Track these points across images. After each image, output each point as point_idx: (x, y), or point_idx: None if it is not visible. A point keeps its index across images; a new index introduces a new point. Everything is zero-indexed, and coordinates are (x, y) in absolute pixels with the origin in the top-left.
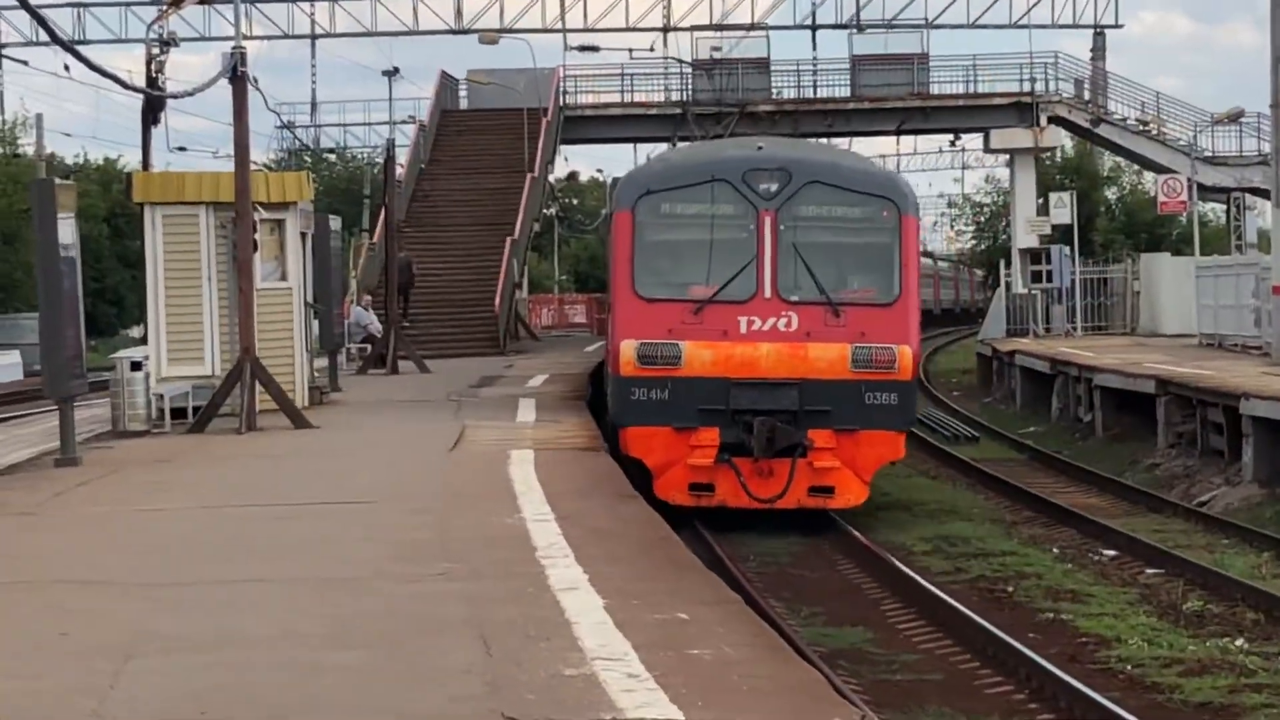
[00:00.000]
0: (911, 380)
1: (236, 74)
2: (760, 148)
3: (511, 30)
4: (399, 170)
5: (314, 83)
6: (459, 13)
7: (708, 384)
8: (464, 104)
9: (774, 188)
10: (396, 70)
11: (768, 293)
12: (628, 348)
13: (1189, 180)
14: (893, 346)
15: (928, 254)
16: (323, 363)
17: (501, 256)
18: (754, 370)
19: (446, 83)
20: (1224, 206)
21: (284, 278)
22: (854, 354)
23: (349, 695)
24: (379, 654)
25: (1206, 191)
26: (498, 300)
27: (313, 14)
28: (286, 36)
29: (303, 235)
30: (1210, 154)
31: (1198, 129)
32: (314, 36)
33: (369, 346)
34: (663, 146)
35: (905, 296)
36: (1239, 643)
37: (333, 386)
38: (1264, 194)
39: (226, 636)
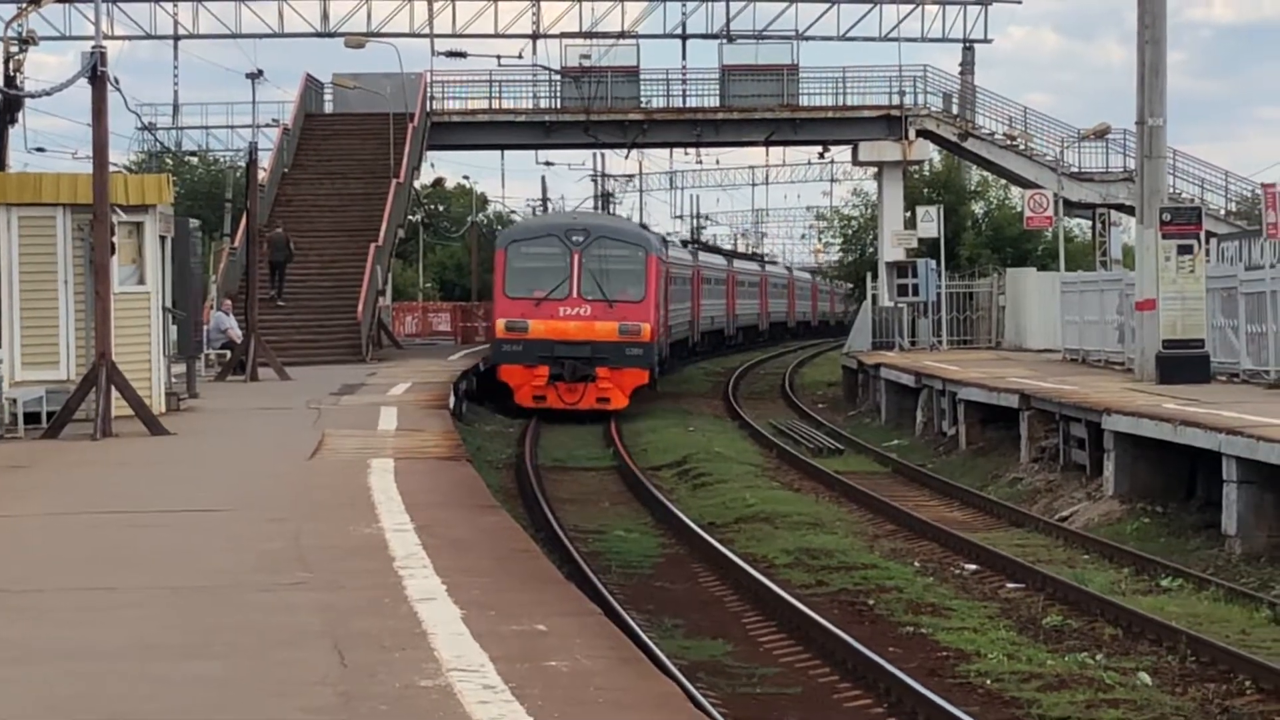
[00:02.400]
0: (652, 341)
1: (96, 74)
2: (575, 218)
3: (378, 34)
4: (261, 174)
5: (176, 84)
6: (325, 16)
7: (542, 343)
8: (329, 108)
9: (580, 239)
10: (260, 73)
11: (574, 294)
12: (501, 321)
13: (1055, 196)
14: (640, 324)
15: (788, 267)
16: (181, 369)
17: (365, 263)
18: (566, 335)
19: (311, 86)
20: (1089, 222)
21: (142, 282)
22: (620, 327)
23: (204, 706)
24: (234, 665)
25: (1072, 207)
26: (360, 307)
27: (176, 15)
28: (149, 37)
29: (162, 239)
30: (1077, 170)
31: (1065, 145)
32: (177, 37)
33: (228, 352)
34: (529, 154)
35: (648, 298)
36: (1098, 658)
37: (190, 393)
38: (1129, 210)
39: (82, 646)
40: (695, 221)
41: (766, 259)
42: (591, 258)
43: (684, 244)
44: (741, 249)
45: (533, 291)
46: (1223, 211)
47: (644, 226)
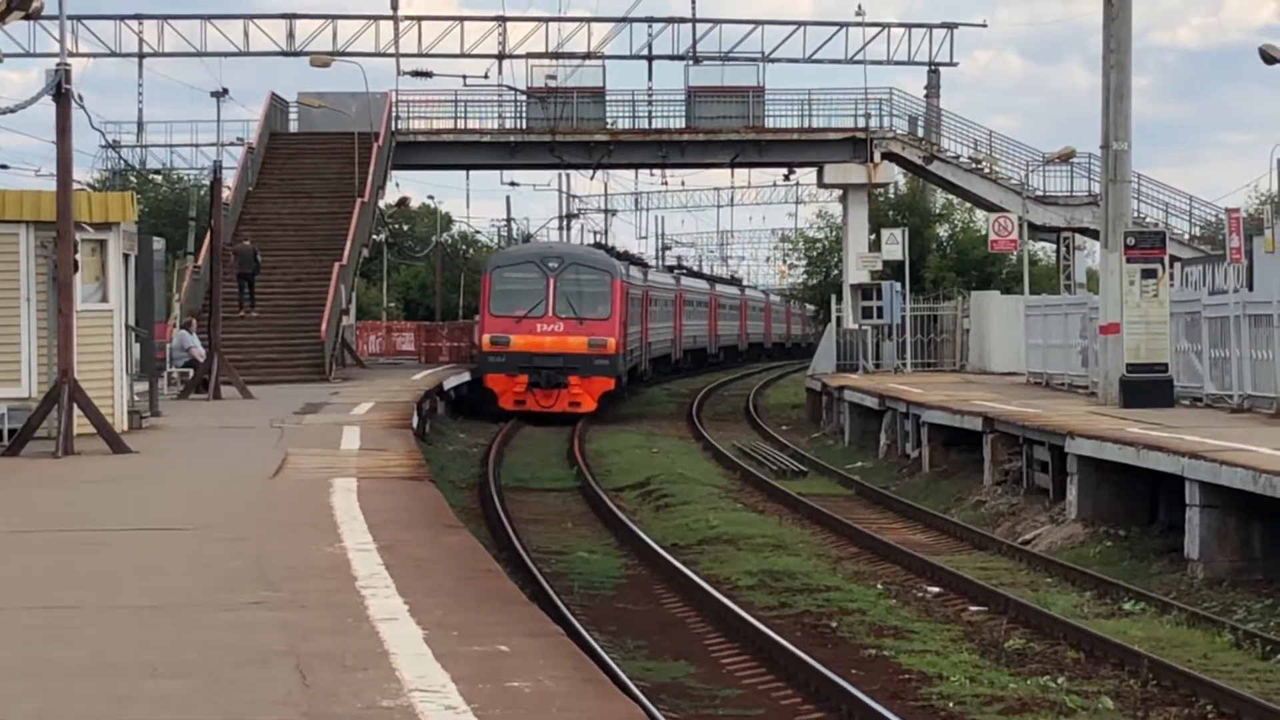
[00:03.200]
0: (617, 354)
1: (61, 91)
2: (551, 247)
3: (344, 54)
4: (226, 193)
5: (141, 102)
6: (291, 34)
7: (522, 355)
8: (294, 127)
9: (555, 266)
10: (225, 91)
11: (550, 313)
12: (486, 336)
13: (1020, 219)
14: (607, 338)
15: (751, 288)
16: (143, 387)
17: (329, 282)
18: (542, 348)
19: (276, 105)
20: (1054, 246)
21: (105, 299)
22: (589, 341)
23: None
24: (196, 684)
25: (1037, 230)
26: (324, 326)
27: (141, 32)
28: (113, 54)
29: (125, 256)
30: (1041, 193)
31: (1029, 168)
32: (141, 55)
33: (191, 371)
34: (494, 174)
35: (614, 316)
36: (1060, 681)
37: (153, 411)
38: (1093, 234)
39: (43, 665)
40: (660, 243)
41: (745, 284)
42: (565, 282)
43: (669, 269)
44: (707, 271)
45: (514, 310)
46: (1187, 236)
47: (627, 254)
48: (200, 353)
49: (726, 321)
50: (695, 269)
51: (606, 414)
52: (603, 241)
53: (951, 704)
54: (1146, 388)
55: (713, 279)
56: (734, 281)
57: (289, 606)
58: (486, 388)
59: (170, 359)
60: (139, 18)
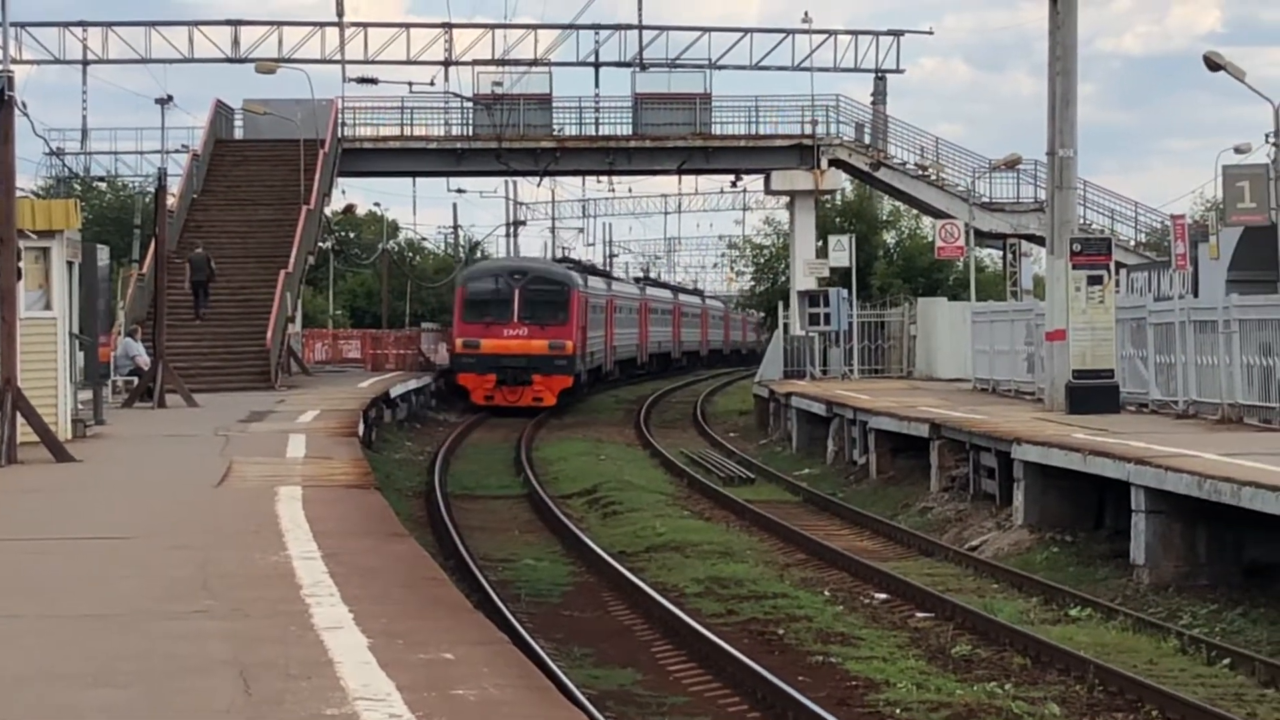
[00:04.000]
0: (574, 355)
1: (3, 99)
2: (517, 262)
3: (290, 60)
4: (171, 200)
5: (85, 109)
6: (236, 41)
7: (490, 356)
8: (239, 134)
9: (519, 278)
10: (170, 98)
11: (515, 320)
12: (459, 340)
13: (966, 226)
14: (565, 341)
15: (725, 300)
16: (87, 395)
17: (274, 289)
18: (508, 351)
19: (221, 112)
20: (1000, 252)
21: (48, 307)
22: (549, 344)
23: None
24: (138, 694)
25: (983, 237)
26: (270, 334)
27: (85, 39)
28: (57, 61)
29: (69, 264)
30: (988, 200)
31: (976, 175)
32: (86, 62)
33: (136, 379)
34: (441, 181)
35: (571, 322)
36: (1006, 687)
37: (97, 419)
38: (1039, 241)
39: None
40: (608, 250)
41: (706, 295)
42: (528, 292)
43: (635, 280)
44: (670, 281)
45: (484, 317)
46: (1132, 242)
47: (593, 267)
48: (145, 360)
49: (689, 329)
50: (660, 280)
51: (566, 407)
52: (568, 253)
53: (898, 710)
54: (1092, 394)
55: (676, 289)
56: (696, 292)
57: (233, 615)
58: (459, 385)
59: (115, 367)
60: (83, 24)
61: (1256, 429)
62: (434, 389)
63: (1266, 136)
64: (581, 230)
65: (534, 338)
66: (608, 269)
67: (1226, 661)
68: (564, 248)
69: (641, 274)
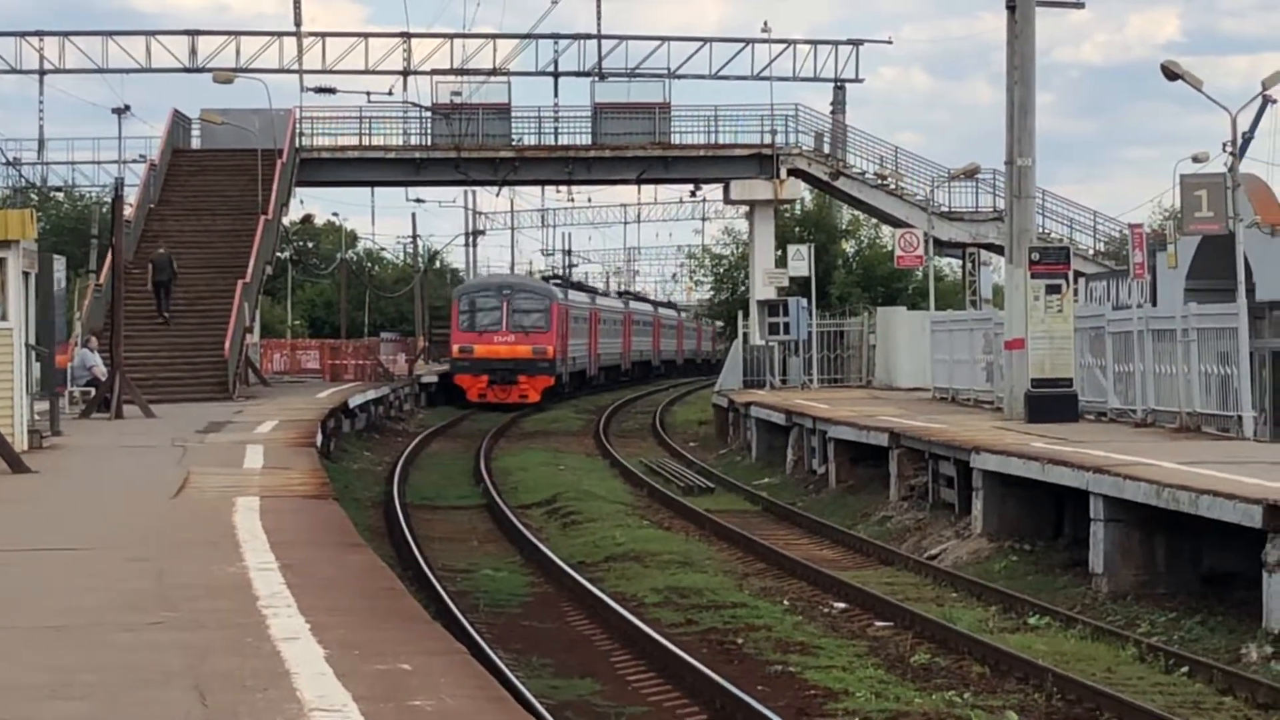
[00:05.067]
0: (554, 359)
1: None
2: (505, 279)
3: (247, 70)
4: (128, 210)
5: (42, 119)
6: (193, 51)
7: (483, 360)
8: (197, 143)
9: (507, 292)
10: (128, 108)
11: (504, 328)
12: (456, 346)
13: (925, 235)
14: (547, 346)
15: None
16: (44, 406)
17: (232, 300)
18: (498, 355)
19: (179, 122)
20: (960, 261)
21: (4, 318)
22: (533, 349)
23: None
24: (95, 706)
25: (943, 246)
26: (228, 344)
27: (41, 49)
28: (14, 71)
29: (25, 275)
30: (947, 209)
31: (935, 184)
32: (43, 72)
33: (93, 390)
34: (399, 191)
35: (552, 330)
36: (965, 696)
37: (54, 430)
38: (998, 250)
39: None
40: (567, 259)
41: (680, 307)
42: (515, 305)
43: (619, 294)
44: (613, 288)
45: (476, 326)
46: (1091, 251)
47: (579, 284)
48: (102, 371)
49: (666, 339)
50: (641, 295)
51: (548, 403)
52: (556, 271)
53: (857, 719)
54: (1051, 402)
55: (656, 303)
56: (671, 305)
57: (189, 626)
58: (456, 385)
59: (71, 378)
60: (40, 34)
61: (1214, 437)
62: (393, 399)
63: (1224, 145)
64: (547, 251)
65: (520, 344)
66: (593, 285)
67: (1185, 669)
68: (553, 266)
69: (622, 288)
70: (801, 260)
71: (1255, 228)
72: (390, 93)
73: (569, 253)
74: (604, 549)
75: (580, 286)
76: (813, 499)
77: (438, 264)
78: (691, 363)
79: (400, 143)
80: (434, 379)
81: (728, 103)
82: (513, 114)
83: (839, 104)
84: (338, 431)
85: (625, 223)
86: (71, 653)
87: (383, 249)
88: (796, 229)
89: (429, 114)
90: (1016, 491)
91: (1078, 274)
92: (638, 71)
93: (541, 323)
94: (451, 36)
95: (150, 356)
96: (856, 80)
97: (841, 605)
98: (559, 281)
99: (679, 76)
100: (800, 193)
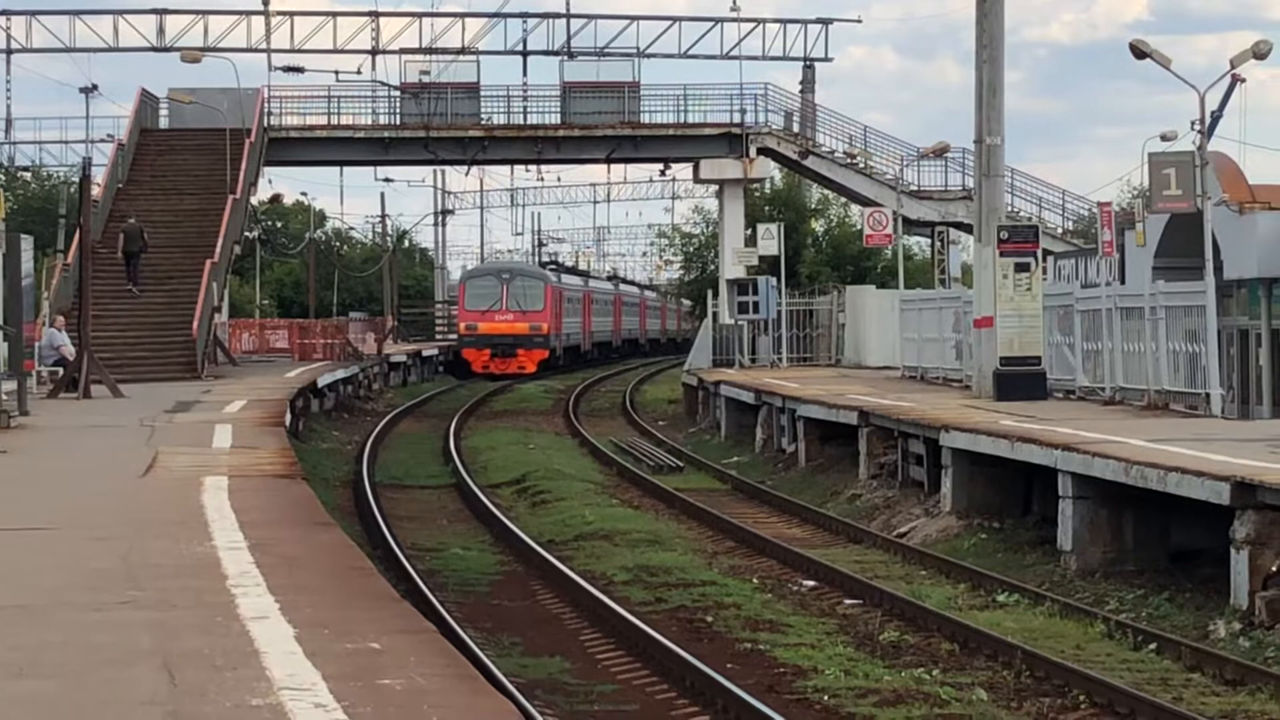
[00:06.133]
0: (549, 334)
1: None
2: (505, 265)
3: (215, 49)
4: (96, 190)
5: (9, 99)
6: (161, 30)
7: (486, 335)
8: (165, 123)
9: (506, 276)
10: (95, 88)
11: (504, 308)
12: (462, 324)
13: (894, 214)
14: (542, 323)
15: (630, 281)
16: (12, 385)
17: (200, 279)
18: (499, 331)
19: (147, 101)
20: (929, 240)
21: None
22: (529, 326)
23: None
24: (62, 685)
25: (912, 225)
26: (196, 324)
27: (8, 28)
28: None
29: None
30: (916, 188)
31: (904, 163)
32: (9, 51)
33: (61, 370)
34: (368, 170)
35: (546, 309)
36: (934, 673)
37: (21, 410)
38: (967, 228)
39: None
40: (536, 239)
41: (660, 288)
42: (513, 287)
43: (608, 278)
44: (582, 267)
45: (480, 306)
46: (1060, 230)
47: (574, 269)
48: (70, 351)
49: (652, 319)
50: (630, 279)
51: (543, 373)
52: (554, 258)
53: (826, 697)
54: (1020, 381)
55: (643, 286)
56: (654, 288)
57: (158, 606)
58: (463, 358)
59: (40, 357)
60: (6, 13)
61: (1182, 415)
62: (362, 378)
63: (1192, 124)
64: (521, 234)
65: (518, 321)
66: (587, 269)
67: (1153, 646)
68: (552, 254)
69: (612, 272)
70: (771, 239)
71: (1223, 206)
72: (359, 72)
73: (539, 232)
74: (573, 528)
75: (575, 271)
76: (782, 477)
77: (406, 244)
78: (674, 341)
79: (369, 122)
80: (403, 358)
81: (697, 82)
82: (481, 93)
83: (808, 83)
84: (306, 411)
85: (595, 202)
86: (38, 632)
87: (351, 229)
88: (766, 208)
89: (398, 93)
90: (985, 469)
91: (1046, 252)
92: (607, 51)
93: (537, 303)
94: (420, 15)
95: (118, 336)
96: (826, 59)
97: (811, 583)
98: (554, 266)
99: (648, 56)
100: (770, 172)
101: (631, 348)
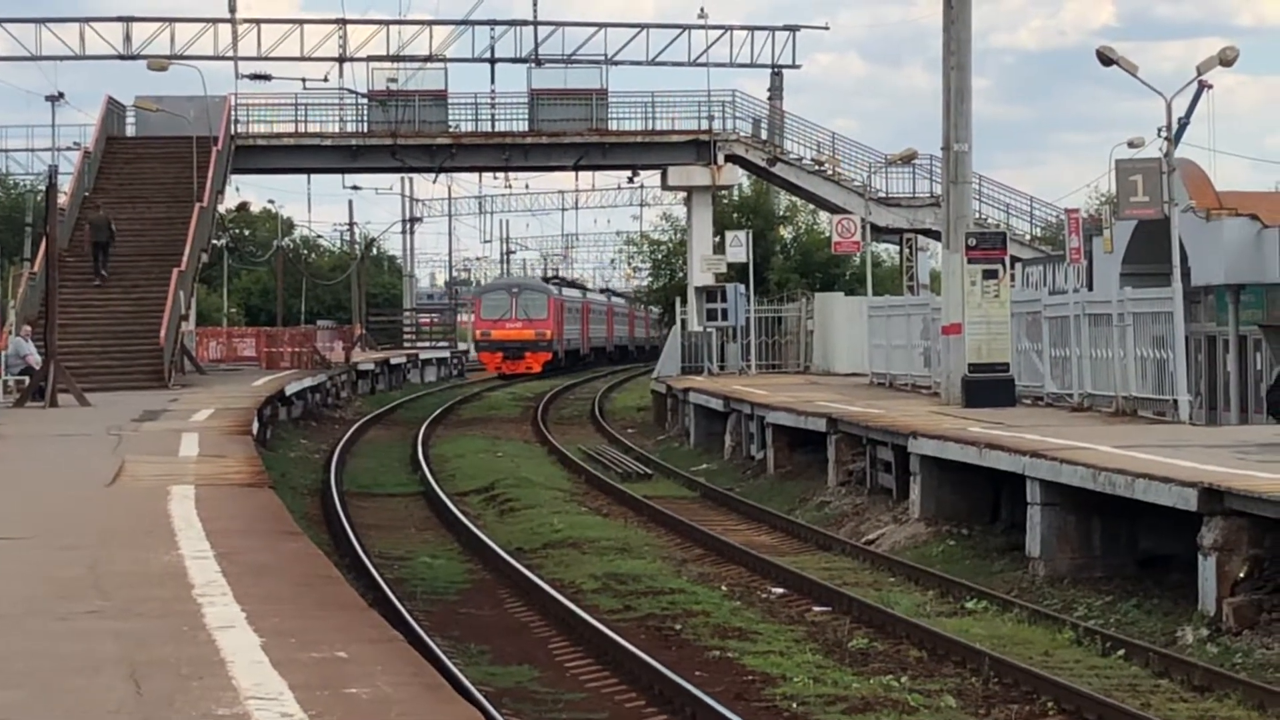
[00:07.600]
0: (552, 339)
1: None
2: (514, 280)
3: (182, 57)
4: (62, 198)
5: None
6: (128, 38)
7: (499, 341)
8: (131, 131)
9: (515, 290)
10: (61, 95)
11: (513, 317)
12: (478, 331)
13: (863, 221)
14: (545, 330)
15: (601, 290)
16: None
17: (167, 288)
18: (510, 337)
19: (113, 109)
20: (897, 247)
21: None
22: (535, 333)
23: None
24: (28, 694)
25: (880, 232)
26: (163, 332)
27: None
28: None
29: None
30: (884, 195)
31: (872, 170)
32: None
33: (27, 378)
34: (336, 178)
35: (550, 318)
36: (903, 680)
37: None
38: (935, 235)
39: None
40: (504, 247)
41: (627, 296)
42: (521, 299)
43: (601, 291)
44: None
45: (493, 316)
46: (1028, 237)
47: (575, 283)
48: (36, 360)
49: (639, 328)
50: (619, 291)
51: (548, 374)
52: (556, 273)
53: (795, 704)
54: (988, 387)
55: (631, 298)
56: (639, 299)
57: (124, 615)
58: (480, 360)
59: (5, 366)
60: None
61: (1151, 421)
62: (330, 386)
63: (1159, 130)
64: (490, 241)
65: (525, 329)
66: (584, 284)
67: (1121, 652)
68: (555, 269)
69: (604, 284)
70: (739, 246)
71: (1190, 212)
72: (326, 79)
73: (507, 239)
74: (542, 536)
75: (574, 285)
76: (751, 484)
77: (374, 251)
78: (657, 349)
79: (336, 129)
80: (371, 366)
81: (665, 89)
82: (449, 100)
83: (776, 90)
84: (274, 419)
85: (563, 209)
86: (4, 641)
87: (319, 236)
88: (734, 215)
89: (365, 101)
90: (954, 476)
91: (1014, 259)
92: (574, 58)
93: (541, 313)
94: (387, 23)
95: (85, 345)
96: (793, 66)
97: (779, 590)
98: (557, 281)
99: (616, 63)
100: (738, 179)
101: (621, 353)
